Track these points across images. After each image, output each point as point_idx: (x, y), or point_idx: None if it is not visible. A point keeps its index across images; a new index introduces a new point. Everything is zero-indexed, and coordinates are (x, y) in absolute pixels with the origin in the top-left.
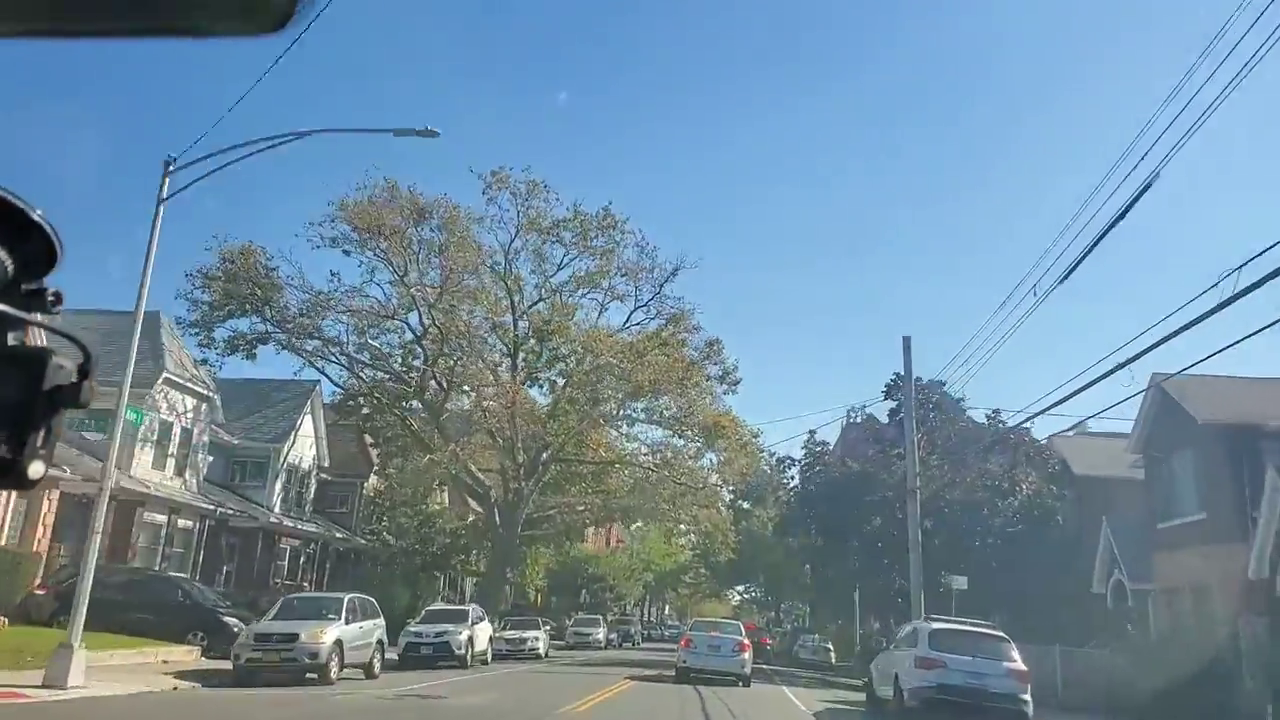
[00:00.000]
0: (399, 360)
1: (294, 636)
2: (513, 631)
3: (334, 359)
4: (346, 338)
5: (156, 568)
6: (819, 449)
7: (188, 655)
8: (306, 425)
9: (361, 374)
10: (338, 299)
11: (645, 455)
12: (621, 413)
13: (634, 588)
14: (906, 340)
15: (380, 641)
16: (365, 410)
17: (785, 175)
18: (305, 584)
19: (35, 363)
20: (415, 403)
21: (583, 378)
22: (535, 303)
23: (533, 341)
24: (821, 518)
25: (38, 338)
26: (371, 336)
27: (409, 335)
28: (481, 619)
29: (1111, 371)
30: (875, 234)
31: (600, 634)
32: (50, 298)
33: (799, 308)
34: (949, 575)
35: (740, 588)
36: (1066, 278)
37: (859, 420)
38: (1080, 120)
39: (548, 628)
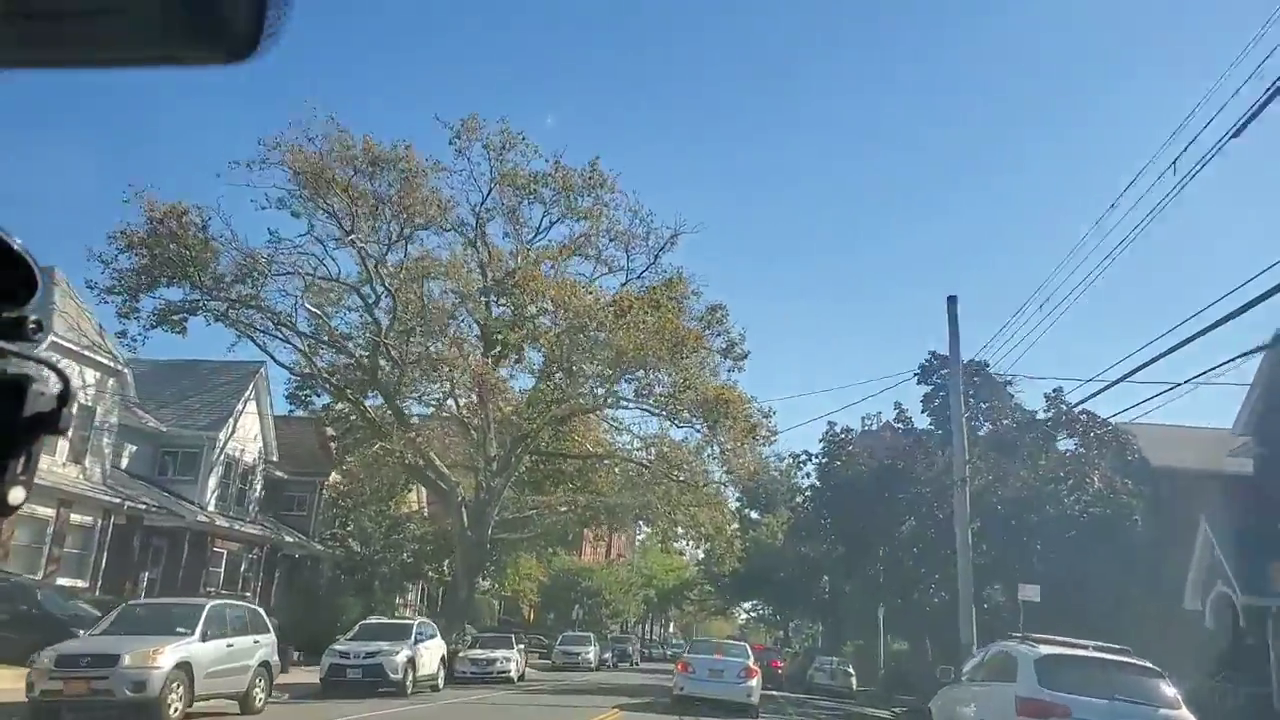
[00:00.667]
0: (362, 344)
1: (113, 659)
2: (480, 651)
3: (280, 336)
4: (296, 312)
5: (38, 573)
6: (840, 439)
7: (17, 681)
8: (250, 413)
9: (317, 356)
10: (279, 260)
11: (639, 450)
12: (606, 393)
13: (631, 603)
14: (951, 302)
15: (266, 664)
16: (324, 399)
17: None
18: (247, 594)
19: (16, 390)
20: (377, 392)
21: (554, 341)
22: (511, 271)
23: (497, 300)
24: (842, 521)
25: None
26: (328, 315)
27: (369, 313)
28: (431, 636)
29: (1217, 324)
30: (902, 206)
31: (591, 654)
32: (31, 326)
33: (812, 286)
34: (1021, 586)
35: (747, 605)
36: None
37: (875, 428)
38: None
39: (522, 646)
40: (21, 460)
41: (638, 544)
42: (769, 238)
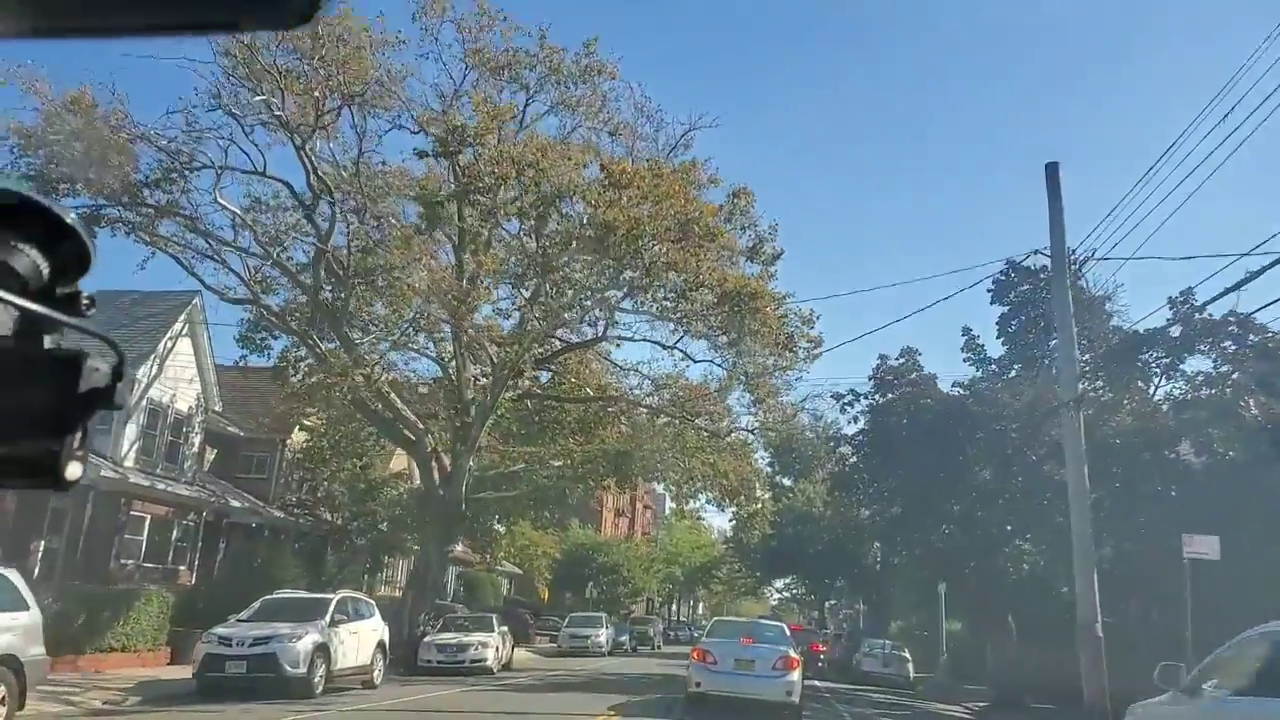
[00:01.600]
0: (305, 261)
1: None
2: (450, 635)
3: (214, 257)
4: (237, 233)
5: None
6: (898, 368)
7: None
8: (183, 352)
9: (265, 287)
10: (200, 156)
11: (649, 395)
12: (596, 304)
13: (651, 581)
14: (1052, 172)
15: (13, 659)
16: (283, 343)
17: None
18: (180, 568)
19: (71, 365)
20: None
21: (523, 211)
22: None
23: (467, 199)
24: (899, 474)
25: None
26: (266, 231)
27: (309, 220)
28: (364, 615)
29: None
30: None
31: (603, 637)
32: (85, 301)
33: (853, 191)
34: (1188, 538)
35: (780, 583)
36: None
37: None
38: None
39: (505, 629)
40: (78, 435)
41: (662, 519)
42: (803, 135)
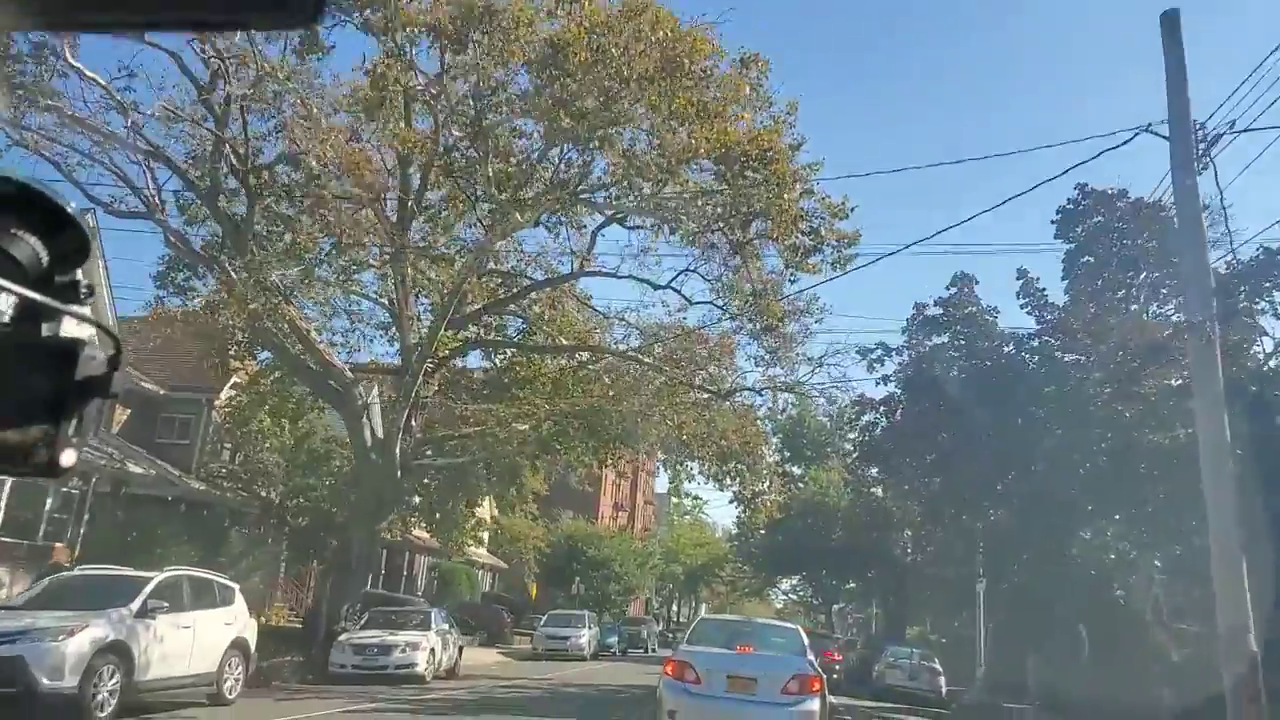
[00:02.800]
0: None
1: None
2: (371, 634)
3: (106, 164)
4: (131, 136)
5: None
6: (949, 301)
7: None
8: None
9: (161, 202)
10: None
11: (636, 348)
12: (562, 198)
13: (647, 578)
14: (1170, 20)
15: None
16: (209, 284)
17: None
18: (56, 544)
19: (69, 353)
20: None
21: (442, 27)
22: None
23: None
24: (948, 432)
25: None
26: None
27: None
28: (204, 603)
29: None
30: None
31: (585, 638)
32: (83, 290)
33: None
34: None
35: (787, 584)
36: None
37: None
38: None
39: (446, 627)
40: (73, 423)
41: (664, 515)
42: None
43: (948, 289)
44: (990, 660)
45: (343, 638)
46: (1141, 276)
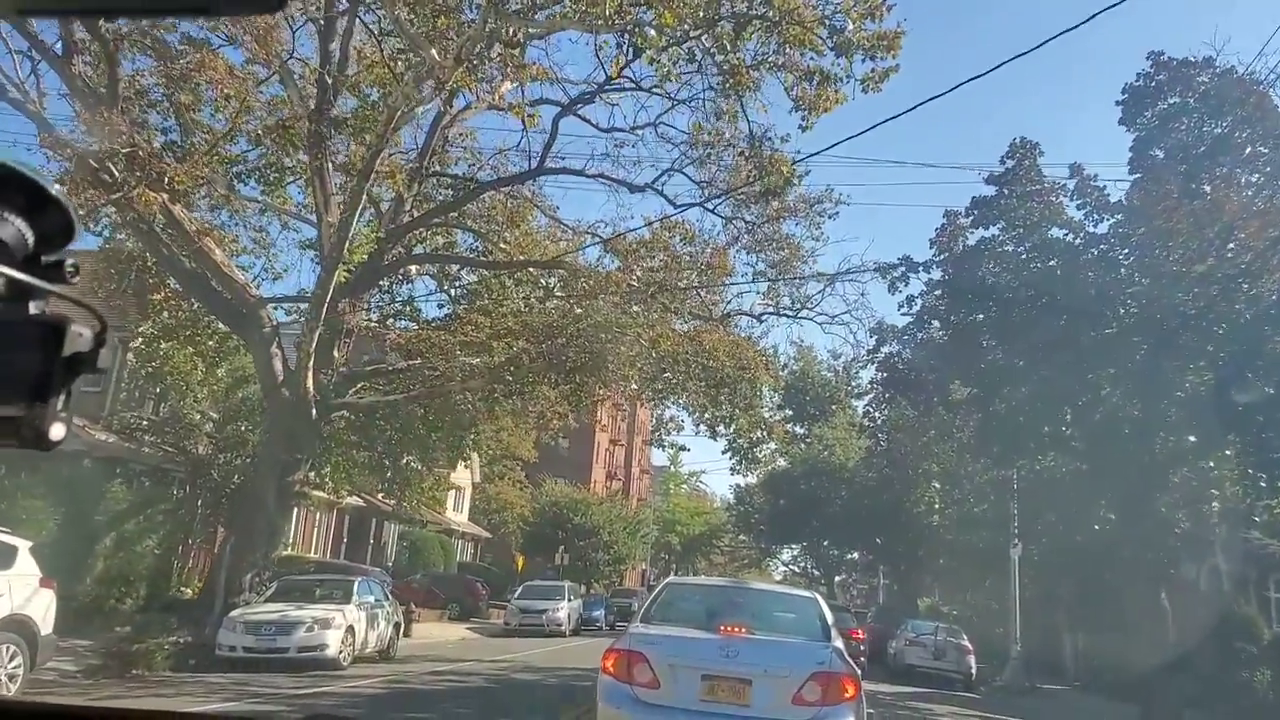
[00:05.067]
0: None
1: None
2: (272, 608)
3: None
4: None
5: None
6: (1006, 176)
7: None
8: None
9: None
10: None
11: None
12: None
13: (638, 547)
14: None
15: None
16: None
17: None
18: None
19: (56, 331)
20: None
21: None
22: None
23: None
24: (999, 345)
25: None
26: None
27: None
28: None
29: None
30: None
31: (564, 612)
32: (69, 269)
33: None
34: None
35: (787, 555)
36: None
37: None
38: None
39: (374, 599)
40: (61, 398)
41: (658, 482)
42: None
43: (1003, 161)
44: (1029, 635)
45: (235, 613)
46: (1223, 172)
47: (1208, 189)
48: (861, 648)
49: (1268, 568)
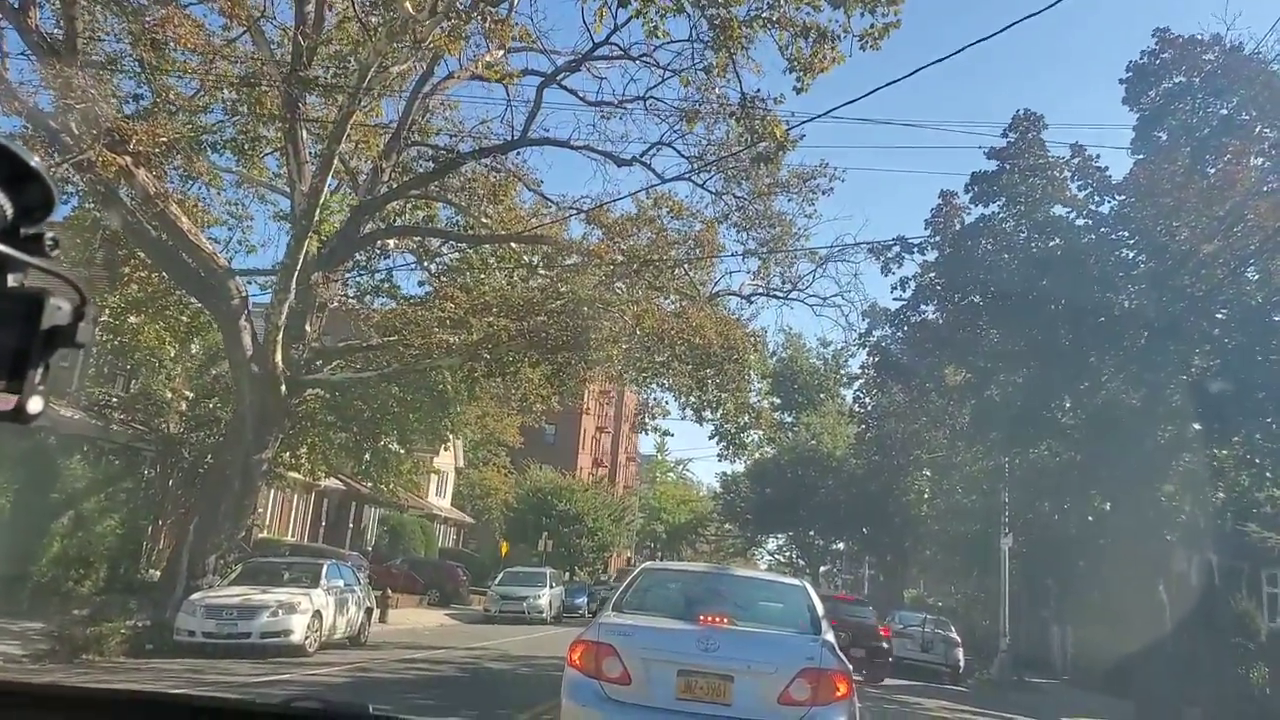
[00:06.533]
0: None
1: None
2: (234, 591)
3: None
4: None
5: None
6: (1008, 150)
7: None
8: None
9: None
10: None
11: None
12: None
13: (622, 534)
14: None
15: None
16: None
17: None
18: None
19: (34, 304)
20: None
21: None
22: None
23: None
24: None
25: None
26: None
27: None
28: None
29: None
30: None
31: (545, 599)
32: (49, 242)
33: None
34: None
35: (772, 544)
36: None
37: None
38: None
39: (343, 583)
40: (40, 372)
41: (643, 469)
42: None
43: (1005, 134)
44: (1018, 628)
45: (195, 597)
46: (1225, 159)
47: (1211, 171)
48: (887, 645)
49: (1264, 561)
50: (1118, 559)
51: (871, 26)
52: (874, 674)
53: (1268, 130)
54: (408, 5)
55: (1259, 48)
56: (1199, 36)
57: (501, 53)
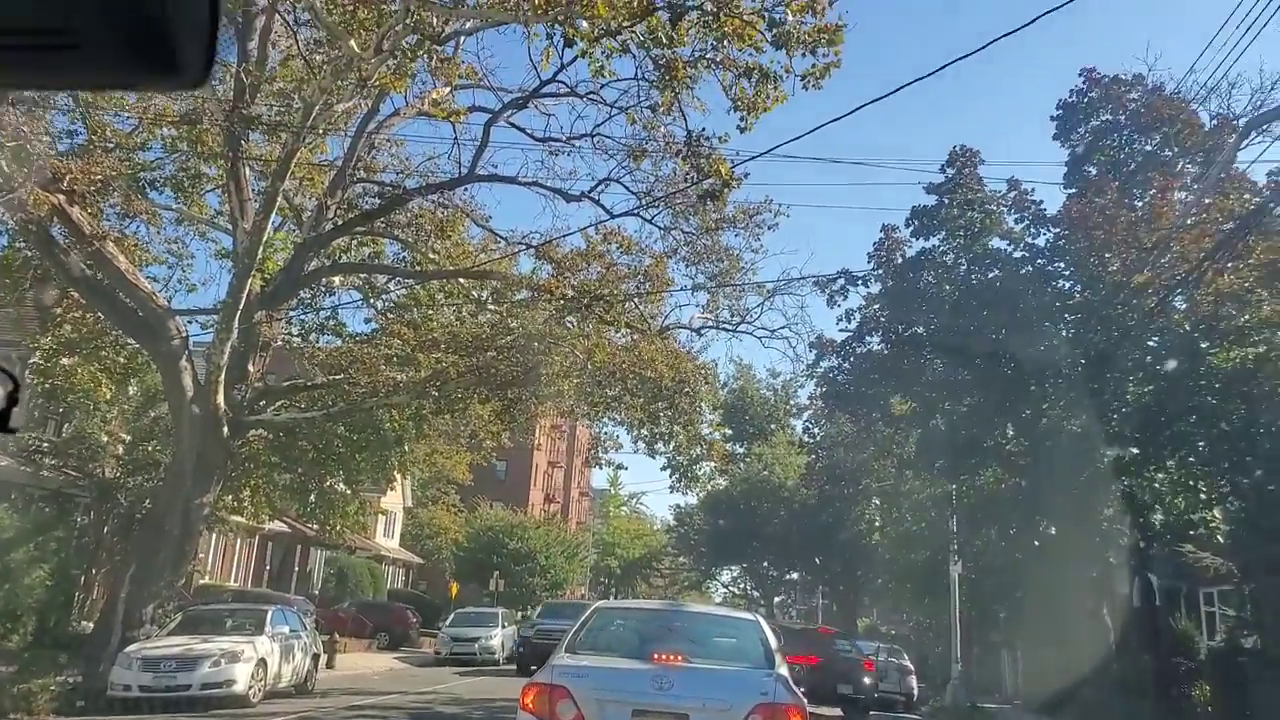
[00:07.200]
0: None
1: None
2: (172, 642)
3: None
4: None
5: None
6: (945, 185)
7: None
8: None
9: None
10: None
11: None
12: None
13: (576, 571)
14: None
15: None
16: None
17: None
18: None
19: None
20: None
21: None
22: None
23: None
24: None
25: None
26: None
27: None
28: None
29: None
30: None
31: (497, 640)
32: None
33: None
34: None
35: (727, 577)
36: None
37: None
38: None
39: (288, 631)
40: None
41: (596, 504)
42: None
43: (943, 170)
44: (974, 654)
45: (131, 649)
46: (1150, 193)
47: (1139, 204)
48: (870, 680)
49: (1201, 581)
50: (1063, 583)
51: (813, 66)
52: (862, 711)
53: (1190, 165)
54: (353, 44)
55: (1179, 88)
56: (1123, 76)
57: (448, 90)
